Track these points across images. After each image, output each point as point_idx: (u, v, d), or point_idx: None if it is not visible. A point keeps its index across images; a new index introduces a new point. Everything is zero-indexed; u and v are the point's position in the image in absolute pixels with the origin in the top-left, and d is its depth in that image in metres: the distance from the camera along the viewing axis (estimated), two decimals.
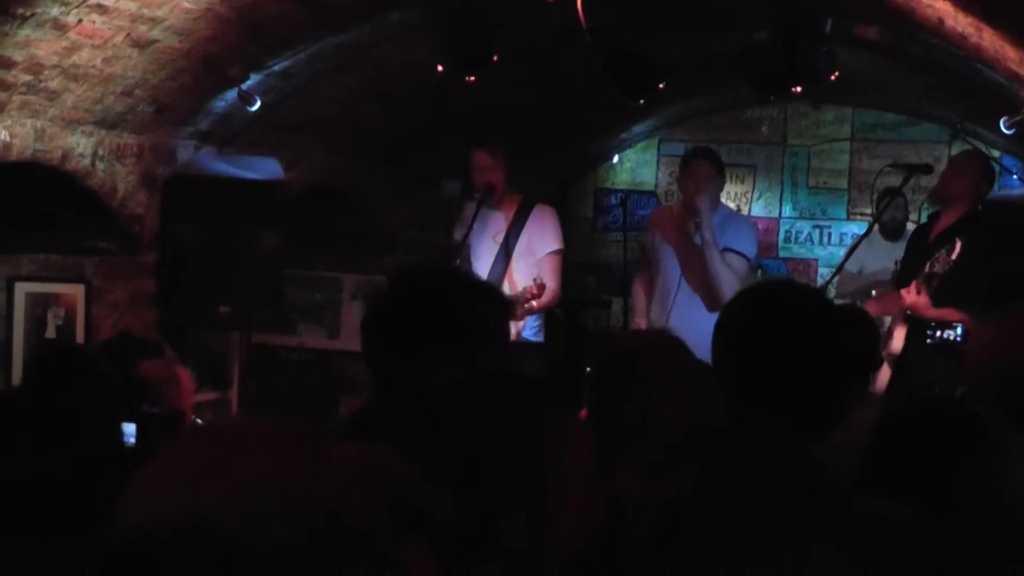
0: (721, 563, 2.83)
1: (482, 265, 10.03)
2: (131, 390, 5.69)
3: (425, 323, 3.85)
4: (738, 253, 9.79)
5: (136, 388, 5.85)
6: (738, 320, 3.54)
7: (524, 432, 2.99)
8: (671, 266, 9.91)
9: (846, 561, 2.77)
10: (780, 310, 3.48)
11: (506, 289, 9.79)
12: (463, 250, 9.98)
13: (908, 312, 8.60)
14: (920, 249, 9.19)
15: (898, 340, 8.72)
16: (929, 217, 9.71)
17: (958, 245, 8.26)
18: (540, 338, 10.18)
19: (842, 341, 3.45)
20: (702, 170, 9.86)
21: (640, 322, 10.14)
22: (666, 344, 4.29)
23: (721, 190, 10.39)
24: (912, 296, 8.51)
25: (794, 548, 2.76)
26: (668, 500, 3.07)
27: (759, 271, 13.06)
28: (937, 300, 8.25)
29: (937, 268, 8.31)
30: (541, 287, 9.58)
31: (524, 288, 9.63)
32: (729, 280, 9.54)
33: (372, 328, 3.93)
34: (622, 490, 3.64)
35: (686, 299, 9.71)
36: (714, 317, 9.64)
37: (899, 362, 8.66)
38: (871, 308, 9.30)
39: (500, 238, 10.17)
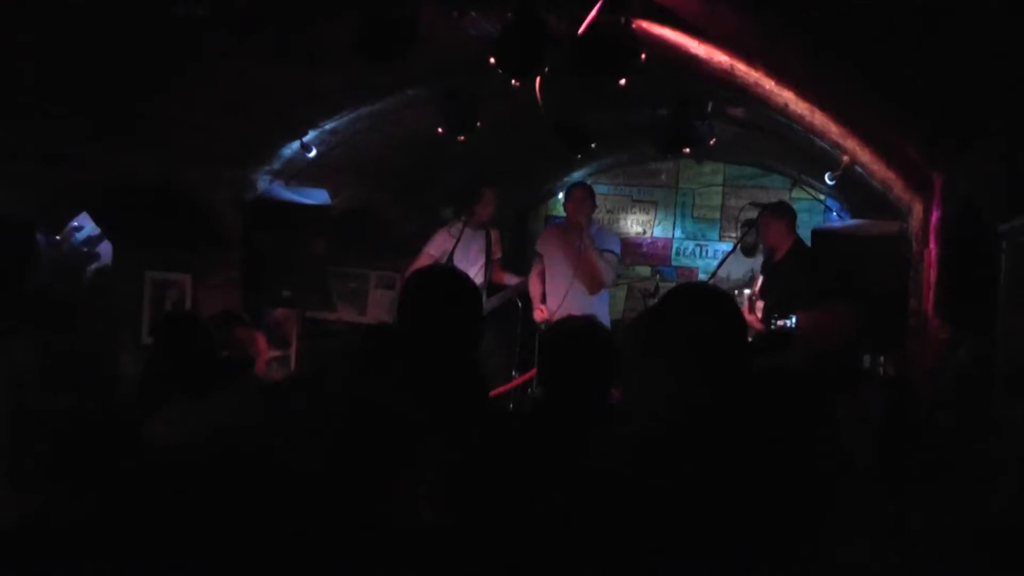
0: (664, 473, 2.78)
1: (474, 267, 10.15)
2: (218, 343, 5.73)
3: (449, 305, 3.92)
4: (610, 251, 10.06)
5: (226, 344, 5.89)
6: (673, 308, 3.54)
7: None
8: (561, 267, 10.05)
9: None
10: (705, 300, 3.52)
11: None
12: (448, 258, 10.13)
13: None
14: (766, 271, 9.41)
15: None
16: (766, 250, 9.86)
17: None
18: None
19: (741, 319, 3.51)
20: (579, 197, 10.06)
21: (540, 308, 10.27)
22: (591, 325, 4.36)
23: (593, 210, 10.55)
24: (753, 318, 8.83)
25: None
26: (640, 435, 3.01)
27: (658, 276, 13.11)
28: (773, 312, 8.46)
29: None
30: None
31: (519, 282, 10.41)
32: (607, 269, 9.92)
33: (407, 308, 4.00)
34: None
35: (576, 290, 9.91)
36: (594, 299, 9.84)
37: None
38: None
39: (483, 249, 10.35)
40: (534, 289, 10.49)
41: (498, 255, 10.64)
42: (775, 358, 7.78)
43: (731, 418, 2.72)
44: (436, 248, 10.39)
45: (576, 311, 9.17)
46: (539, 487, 3.16)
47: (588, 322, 4.37)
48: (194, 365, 4.64)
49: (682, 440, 2.67)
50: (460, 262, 10.14)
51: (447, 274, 4.52)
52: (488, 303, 10.09)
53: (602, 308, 10.01)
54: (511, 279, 10.65)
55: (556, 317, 9.57)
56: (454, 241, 10.21)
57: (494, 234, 10.61)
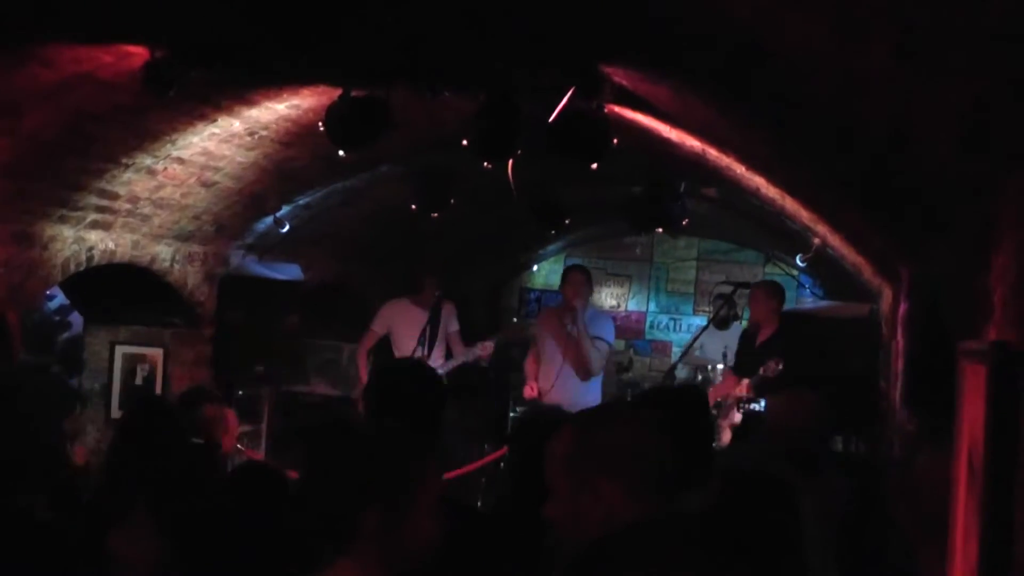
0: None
1: (412, 340, 10.11)
2: (188, 426, 5.71)
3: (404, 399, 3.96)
4: (602, 339, 9.74)
5: (193, 423, 5.86)
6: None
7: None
8: (554, 349, 9.80)
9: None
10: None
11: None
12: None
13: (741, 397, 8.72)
14: (748, 350, 9.19)
15: (736, 415, 8.75)
16: (751, 325, 9.60)
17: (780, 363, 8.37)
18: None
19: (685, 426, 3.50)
20: (578, 280, 9.68)
21: (532, 385, 9.99)
22: (557, 420, 4.38)
23: (591, 295, 10.35)
24: (743, 389, 8.65)
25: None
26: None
27: (631, 350, 13.14)
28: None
29: (768, 374, 8.36)
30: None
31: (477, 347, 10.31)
32: (596, 358, 9.57)
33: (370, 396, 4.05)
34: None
35: (566, 373, 9.61)
36: (585, 384, 9.54)
37: (736, 430, 8.71)
38: (715, 392, 9.38)
39: (424, 323, 10.28)
40: (529, 368, 10.32)
41: (454, 328, 10.53)
42: (742, 450, 7.78)
43: (666, 535, 2.70)
44: (380, 325, 10.37)
45: (567, 394, 9.01)
46: None
47: (556, 416, 4.37)
48: (159, 456, 4.63)
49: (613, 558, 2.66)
50: (402, 335, 10.21)
51: (410, 371, 4.53)
52: (444, 367, 10.06)
53: (594, 391, 9.80)
54: (464, 351, 10.48)
55: (547, 398, 9.48)
56: (399, 316, 10.27)
57: (446, 308, 10.49)
